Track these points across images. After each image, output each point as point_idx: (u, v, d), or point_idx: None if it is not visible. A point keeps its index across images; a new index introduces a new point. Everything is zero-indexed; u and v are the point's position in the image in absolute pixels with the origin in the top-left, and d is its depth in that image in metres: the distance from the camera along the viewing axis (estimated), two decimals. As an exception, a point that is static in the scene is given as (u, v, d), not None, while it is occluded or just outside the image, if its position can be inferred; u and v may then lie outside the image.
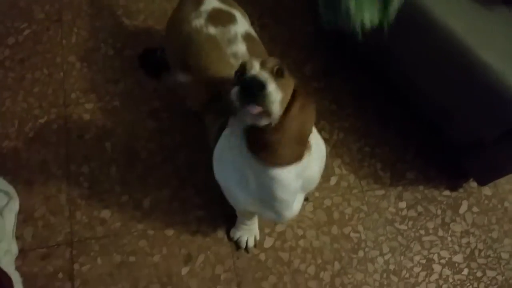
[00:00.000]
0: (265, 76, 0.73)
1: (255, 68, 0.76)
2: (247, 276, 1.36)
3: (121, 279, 1.32)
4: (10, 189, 1.38)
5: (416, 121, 1.61)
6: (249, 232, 1.36)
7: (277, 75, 0.77)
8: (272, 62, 0.78)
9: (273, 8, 1.81)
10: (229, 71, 1.01)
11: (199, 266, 1.36)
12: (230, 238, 1.40)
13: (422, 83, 1.43)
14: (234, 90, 0.72)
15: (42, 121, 1.50)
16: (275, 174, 0.83)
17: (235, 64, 1.05)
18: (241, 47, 1.10)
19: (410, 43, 1.38)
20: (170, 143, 1.52)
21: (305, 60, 1.70)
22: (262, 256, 1.39)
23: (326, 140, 1.58)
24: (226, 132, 0.95)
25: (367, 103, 1.64)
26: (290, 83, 0.80)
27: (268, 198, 0.91)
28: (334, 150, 1.56)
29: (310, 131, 0.85)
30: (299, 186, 0.91)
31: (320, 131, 1.57)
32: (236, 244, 1.39)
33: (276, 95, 0.72)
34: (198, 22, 1.12)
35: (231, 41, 1.10)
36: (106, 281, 1.31)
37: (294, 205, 0.97)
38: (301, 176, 0.89)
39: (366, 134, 1.60)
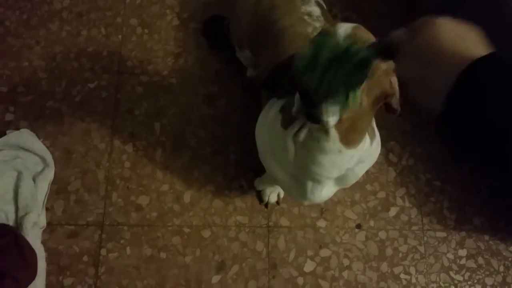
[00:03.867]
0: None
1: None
2: (281, 299, 1.15)
3: (148, 275, 1.13)
4: (48, 155, 1.18)
5: (496, 165, 1.32)
6: (273, 187, 1.19)
7: None
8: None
9: (359, 2, 1.50)
10: (303, 25, 0.91)
11: (231, 277, 1.15)
12: (253, 187, 1.22)
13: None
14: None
15: (91, 85, 1.27)
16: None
17: (310, 21, 0.92)
18: (315, 9, 0.96)
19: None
20: (222, 135, 1.28)
21: None
22: (300, 280, 1.18)
23: (393, 164, 1.31)
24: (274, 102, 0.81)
25: (446, 130, 1.35)
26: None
27: (303, 172, 0.76)
28: (400, 177, 1.29)
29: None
30: (337, 171, 0.74)
31: (388, 152, 1.31)
32: (258, 196, 1.22)
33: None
34: None
35: (305, 1, 0.97)
36: (132, 274, 1.13)
37: (323, 190, 0.81)
38: (347, 160, 0.72)
39: (439, 166, 1.32)
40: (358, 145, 0.69)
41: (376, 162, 1.28)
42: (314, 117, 0.55)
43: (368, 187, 1.27)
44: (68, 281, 1.11)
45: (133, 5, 1.40)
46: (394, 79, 0.61)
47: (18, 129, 1.20)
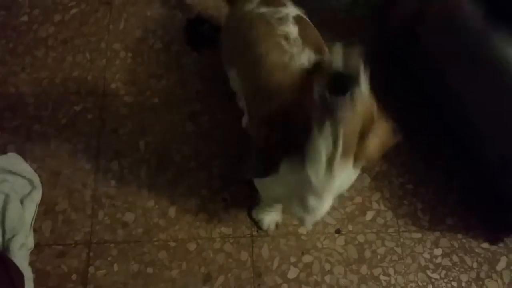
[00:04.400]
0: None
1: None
2: (267, 306, 1.18)
3: (136, 290, 1.16)
4: (35, 177, 1.21)
5: (465, 166, 1.39)
6: (271, 215, 1.21)
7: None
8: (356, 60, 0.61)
9: (332, 25, 1.58)
10: (279, 53, 0.91)
11: (217, 288, 1.19)
12: (250, 216, 1.24)
13: (485, 129, 1.21)
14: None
15: (77, 108, 1.31)
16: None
17: (287, 47, 0.91)
18: (292, 29, 0.95)
19: (481, 86, 1.16)
20: (206, 150, 1.33)
21: None
22: (285, 287, 1.21)
23: (367, 170, 1.38)
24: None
25: (418, 137, 1.41)
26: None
27: (303, 194, 0.78)
28: (374, 182, 1.35)
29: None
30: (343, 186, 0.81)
31: (363, 160, 1.37)
32: (256, 225, 1.24)
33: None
34: (251, 5, 1.02)
35: (282, 20, 0.96)
36: (120, 290, 1.15)
37: (325, 204, 0.82)
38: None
39: (411, 169, 1.38)
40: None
41: (352, 170, 1.34)
42: None
43: (345, 193, 1.33)
44: (57, 300, 1.12)
45: (116, 31, 1.46)
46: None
47: (5, 153, 1.23)
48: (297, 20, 0.98)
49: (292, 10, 1.00)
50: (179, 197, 1.26)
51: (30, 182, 1.19)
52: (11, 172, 1.19)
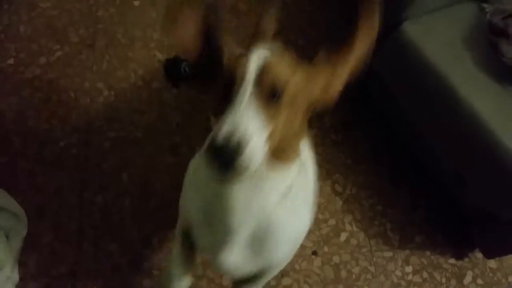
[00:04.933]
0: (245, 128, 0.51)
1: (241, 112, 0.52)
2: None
3: (121, 319, 1.18)
4: (20, 211, 1.24)
5: (428, 185, 1.50)
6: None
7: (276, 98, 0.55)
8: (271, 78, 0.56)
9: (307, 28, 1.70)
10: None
11: (201, 313, 1.22)
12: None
13: (441, 152, 1.32)
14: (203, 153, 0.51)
15: (62, 144, 1.37)
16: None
17: None
18: None
19: (434, 113, 1.28)
20: (186, 180, 1.39)
21: (324, 112, 1.59)
22: (266, 309, 1.25)
23: (339, 194, 1.46)
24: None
25: (382, 160, 1.53)
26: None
27: (218, 211, 0.65)
28: (346, 205, 1.43)
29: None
30: (253, 217, 0.64)
31: (334, 184, 1.46)
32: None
33: (258, 149, 0.51)
34: None
35: None
36: (105, 320, 1.17)
37: (232, 253, 0.70)
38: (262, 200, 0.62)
39: (379, 192, 1.48)
40: (286, 167, 0.61)
41: (324, 193, 1.43)
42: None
43: (320, 216, 1.40)
44: (41, 333, 1.13)
45: (100, 71, 1.54)
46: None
47: (-9, 189, 1.26)
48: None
49: None
50: (161, 227, 1.31)
51: (15, 215, 1.22)
52: (-4, 208, 1.22)
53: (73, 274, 1.20)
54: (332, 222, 1.41)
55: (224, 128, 0.50)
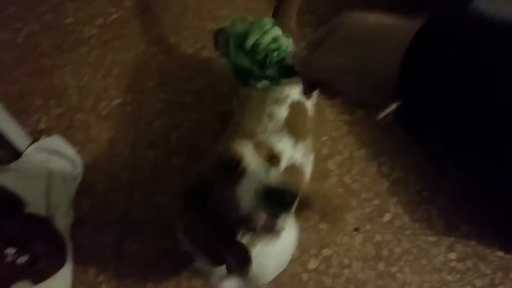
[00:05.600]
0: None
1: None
2: (288, 292, 1.46)
3: (167, 266, 1.43)
4: (77, 159, 1.53)
5: (482, 176, 1.72)
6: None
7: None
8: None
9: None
10: (253, 125, 1.12)
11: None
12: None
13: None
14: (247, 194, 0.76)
15: (116, 101, 1.67)
16: None
17: (266, 123, 1.14)
18: (282, 113, 1.16)
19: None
20: (233, 147, 1.67)
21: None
22: (305, 276, 1.49)
23: (385, 176, 1.70)
24: None
25: (434, 145, 1.74)
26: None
27: None
28: (392, 187, 1.67)
29: None
30: None
31: (380, 165, 1.70)
32: None
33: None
34: None
35: (277, 101, 1.17)
36: (151, 265, 1.42)
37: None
38: None
39: (428, 178, 1.70)
40: None
41: (369, 173, 1.67)
42: None
43: (363, 194, 1.64)
44: (92, 270, 1.39)
45: (153, 36, 1.84)
46: None
47: (50, 136, 1.56)
48: (293, 106, 1.17)
49: (295, 93, 1.18)
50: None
51: (72, 163, 1.51)
52: (55, 153, 1.52)
53: (123, 221, 1.47)
54: (376, 202, 1.65)
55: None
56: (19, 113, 1.58)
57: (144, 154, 1.58)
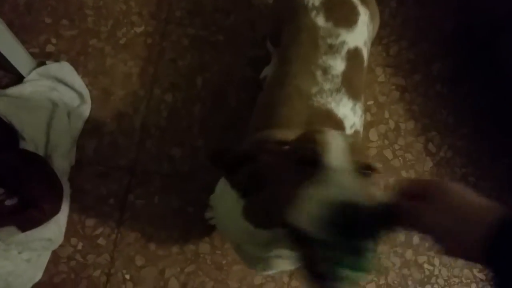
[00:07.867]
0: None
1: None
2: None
3: (173, 226, 1.15)
4: (86, 92, 1.19)
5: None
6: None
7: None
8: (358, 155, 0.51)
9: (405, 28, 1.44)
10: (307, 85, 0.80)
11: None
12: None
13: None
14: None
15: (137, 30, 1.29)
16: None
17: (319, 79, 0.80)
18: (338, 65, 0.82)
19: None
20: (263, 100, 1.31)
21: (435, 58, 1.40)
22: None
23: (431, 155, 1.34)
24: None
25: (488, 128, 1.37)
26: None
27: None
28: (436, 168, 1.32)
29: None
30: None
31: (428, 142, 1.34)
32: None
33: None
34: (312, 0, 0.86)
35: (332, 49, 0.83)
36: (156, 224, 1.14)
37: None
38: None
39: (476, 162, 1.34)
40: None
41: (415, 149, 1.33)
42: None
43: (404, 173, 1.30)
44: (90, 221, 1.12)
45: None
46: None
47: (58, 61, 1.23)
48: (351, 55, 0.84)
49: (353, 39, 0.85)
50: (229, 143, 1.25)
51: (80, 96, 1.19)
52: (62, 82, 1.18)
53: (131, 169, 1.17)
54: (414, 182, 1.32)
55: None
56: (24, 30, 1.22)
57: (163, 96, 1.24)
